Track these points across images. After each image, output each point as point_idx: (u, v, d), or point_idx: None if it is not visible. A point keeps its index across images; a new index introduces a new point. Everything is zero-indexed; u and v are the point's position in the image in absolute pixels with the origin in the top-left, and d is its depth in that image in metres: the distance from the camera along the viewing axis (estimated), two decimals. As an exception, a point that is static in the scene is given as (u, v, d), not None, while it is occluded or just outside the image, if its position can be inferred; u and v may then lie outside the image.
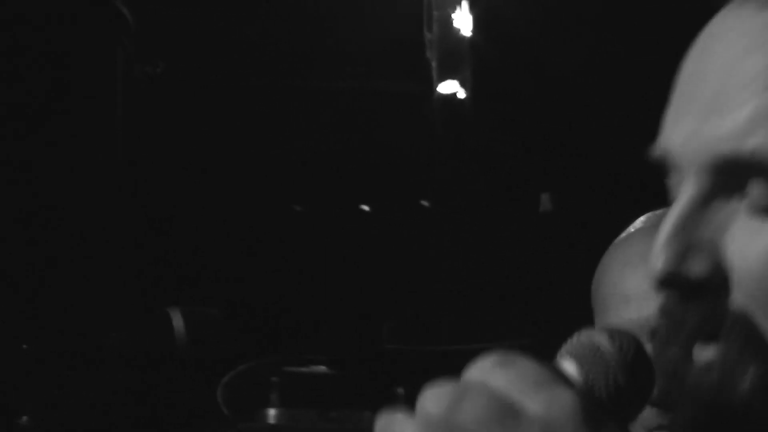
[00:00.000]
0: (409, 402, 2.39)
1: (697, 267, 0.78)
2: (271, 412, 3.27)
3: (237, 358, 3.14)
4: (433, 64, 3.51)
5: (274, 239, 3.60)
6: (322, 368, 3.41)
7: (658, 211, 1.56)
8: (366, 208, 3.66)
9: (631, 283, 1.59)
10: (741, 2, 0.79)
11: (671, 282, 0.79)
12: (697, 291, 0.79)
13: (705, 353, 0.81)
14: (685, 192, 0.80)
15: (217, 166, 3.61)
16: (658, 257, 0.79)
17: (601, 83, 3.66)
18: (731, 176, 0.78)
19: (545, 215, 3.77)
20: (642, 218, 1.64)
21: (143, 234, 3.26)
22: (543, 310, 3.56)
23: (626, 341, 0.82)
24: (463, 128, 3.55)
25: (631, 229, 1.66)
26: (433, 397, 0.69)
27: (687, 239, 0.79)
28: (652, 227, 1.48)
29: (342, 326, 3.67)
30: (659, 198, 1.02)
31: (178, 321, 2.88)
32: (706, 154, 0.78)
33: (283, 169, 3.63)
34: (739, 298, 0.78)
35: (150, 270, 3.22)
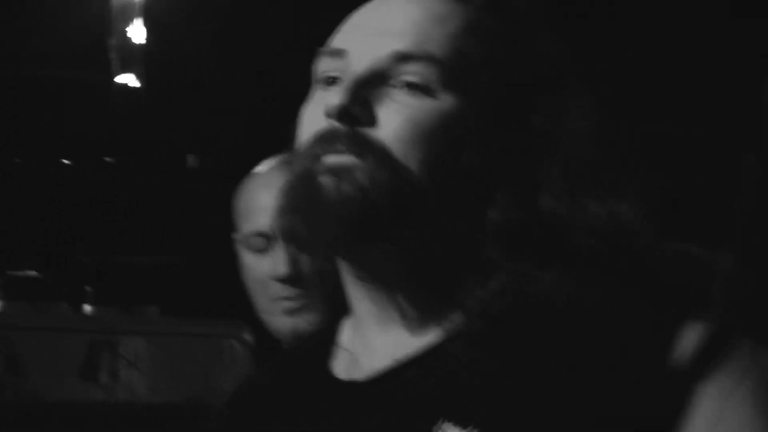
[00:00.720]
0: (95, 297, 4.00)
1: (358, 110, 1.02)
2: (-5, 305, 4.39)
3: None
4: (113, 61, 4.34)
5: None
6: (34, 272, 4.41)
7: (278, 156, 1.91)
8: (67, 161, 4.58)
9: (261, 201, 1.92)
10: None
11: (340, 114, 1.01)
12: (352, 121, 1.01)
13: (337, 158, 1.03)
14: (361, 66, 1.04)
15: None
16: (339, 96, 1.01)
17: (242, 73, 4.63)
18: (393, 63, 1.02)
19: (191, 170, 4.81)
20: (266, 161, 1.96)
21: None
22: (194, 232, 4.47)
23: None
24: (136, 109, 4.39)
25: (260, 168, 1.97)
26: None
27: (358, 93, 1.02)
28: (275, 167, 1.89)
29: (49, 244, 4.61)
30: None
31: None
32: (379, 48, 1.03)
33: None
34: (382, 133, 1.01)
35: None
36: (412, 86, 1.04)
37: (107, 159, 4.65)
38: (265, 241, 1.95)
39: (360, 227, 1.03)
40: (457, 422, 1.00)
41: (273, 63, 4.39)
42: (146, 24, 4.53)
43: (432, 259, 1.09)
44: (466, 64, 1.08)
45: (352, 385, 1.12)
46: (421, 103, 1.05)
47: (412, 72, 1.05)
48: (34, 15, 4.17)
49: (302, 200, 1.06)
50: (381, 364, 1.09)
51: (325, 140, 1.03)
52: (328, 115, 1.02)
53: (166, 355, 4.68)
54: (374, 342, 1.13)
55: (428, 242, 1.08)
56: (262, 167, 2.01)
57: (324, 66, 1.07)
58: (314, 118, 1.04)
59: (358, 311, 1.15)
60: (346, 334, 1.18)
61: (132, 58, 4.56)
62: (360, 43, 1.07)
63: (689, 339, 0.96)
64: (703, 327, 0.96)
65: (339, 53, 1.07)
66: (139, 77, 4.60)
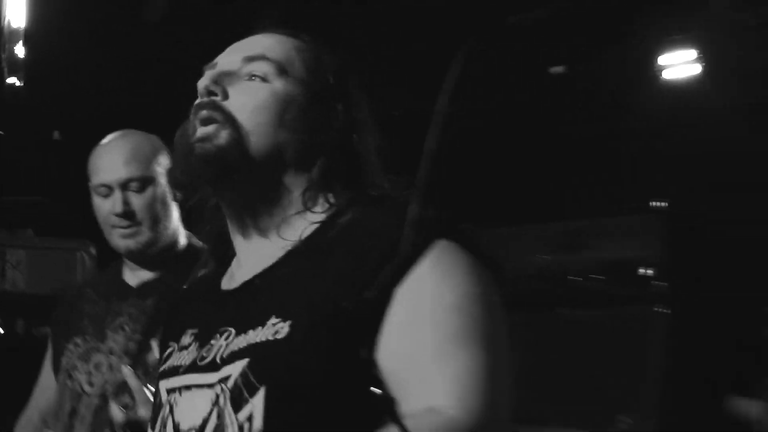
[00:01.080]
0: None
1: (217, 88, 1.30)
2: None
3: None
4: (3, 69, 5.03)
5: None
6: None
7: (116, 132, 2.31)
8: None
9: (104, 161, 2.26)
10: (271, 32, 1.40)
11: (205, 90, 1.29)
12: (212, 95, 1.30)
13: (203, 130, 1.31)
14: (223, 68, 1.32)
15: None
16: (204, 81, 1.31)
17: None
18: (242, 64, 1.33)
19: (56, 141, 5.74)
20: (109, 135, 2.30)
21: None
22: (60, 181, 4.97)
23: None
24: (20, 100, 5.09)
25: (104, 140, 2.31)
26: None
27: (217, 80, 1.31)
28: (114, 138, 2.28)
29: None
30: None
31: None
32: (236, 56, 1.34)
33: None
34: (231, 105, 1.29)
35: None
36: (253, 76, 1.33)
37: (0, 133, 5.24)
38: (107, 189, 2.28)
39: (218, 170, 1.29)
40: (280, 316, 1.21)
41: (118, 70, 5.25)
42: (26, 44, 5.18)
43: (270, 197, 1.31)
44: (290, 63, 1.34)
45: (225, 293, 1.35)
46: (259, 86, 1.32)
47: (254, 68, 1.32)
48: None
49: (181, 160, 1.33)
50: (245, 277, 1.33)
51: (196, 109, 1.32)
52: (200, 94, 1.32)
53: (37, 261, 5.39)
54: (243, 262, 1.36)
55: (266, 182, 1.30)
56: (106, 139, 2.35)
57: (203, 80, 1.34)
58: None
59: (234, 241, 1.37)
60: (234, 260, 1.39)
61: (16, 66, 5.20)
62: (225, 57, 1.36)
63: (401, 251, 1.14)
64: (407, 240, 1.13)
65: (212, 65, 1.34)
66: (20, 79, 5.27)
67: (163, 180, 2.42)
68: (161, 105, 4.62)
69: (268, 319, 1.23)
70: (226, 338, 1.27)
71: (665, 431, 4.16)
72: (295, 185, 1.37)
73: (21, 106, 5.09)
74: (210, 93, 1.35)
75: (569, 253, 5.22)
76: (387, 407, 1.12)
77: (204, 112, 1.34)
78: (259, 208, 1.36)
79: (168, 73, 5.10)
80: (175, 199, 2.40)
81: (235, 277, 1.39)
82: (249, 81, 1.36)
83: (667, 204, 4.85)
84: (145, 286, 2.52)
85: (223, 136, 1.32)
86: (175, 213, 2.50)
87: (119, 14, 5.34)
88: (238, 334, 1.26)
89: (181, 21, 5.16)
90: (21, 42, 5.23)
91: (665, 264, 4.78)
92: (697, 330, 4.48)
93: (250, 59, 1.37)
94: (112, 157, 2.37)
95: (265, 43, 1.41)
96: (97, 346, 2.44)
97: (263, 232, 1.36)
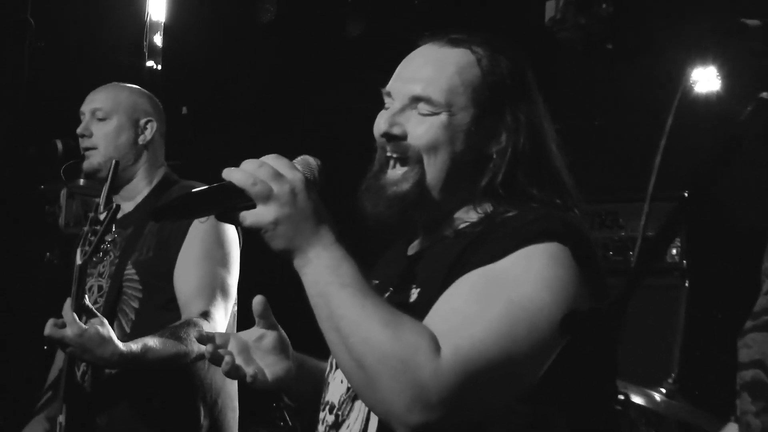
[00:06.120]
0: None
1: (397, 130, 1.48)
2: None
3: None
4: (145, 54, 5.64)
5: None
6: None
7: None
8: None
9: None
10: (431, 42, 1.57)
11: (385, 135, 1.49)
12: (396, 139, 1.48)
13: (395, 172, 1.50)
14: (396, 104, 1.50)
15: None
16: (382, 125, 1.51)
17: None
18: (413, 101, 1.50)
19: (185, 116, 5.93)
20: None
21: None
22: None
23: (319, 165, 1.44)
24: (154, 83, 5.31)
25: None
26: (246, 164, 1.30)
27: (393, 121, 1.49)
28: None
29: None
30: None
31: None
32: (407, 92, 1.51)
33: None
34: (413, 146, 1.48)
35: None
36: (422, 114, 1.57)
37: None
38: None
39: (401, 209, 1.60)
40: (417, 284, 1.57)
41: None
42: (165, 35, 5.73)
43: (440, 211, 1.65)
44: (454, 94, 1.57)
45: (407, 257, 1.75)
46: (430, 121, 1.56)
47: (421, 108, 1.58)
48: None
49: (372, 196, 1.62)
50: (411, 251, 1.76)
51: (382, 151, 1.64)
52: (380, 135, 1.62)
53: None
54: (415, 241, 1.78)
55: (438, 206, 1.64)
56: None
57: (383, 124, 1.62)
58: None
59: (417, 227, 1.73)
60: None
61: (155, 53, 5.74)
62: (395, 86, 1.66)
63: None
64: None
65: (387, 92, 1.63)
66: (158, 63, 5.80)
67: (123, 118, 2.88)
68: (266, 89, 5.63)
69: (412, 285, 1.53)
70: (387, 294, 1.57)
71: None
72: (462, 200, 1.62)
73: (156, 85, 5.39)
74: (391, 136, 1.55)
75: (607, 232, 5.62)
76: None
77: (393, 154, 1.55)
78: (430, 219, 1.66)
79: (273, 66, 5.89)
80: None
81: (409, 250, 1.73)
82: (420, 116, 1.55)
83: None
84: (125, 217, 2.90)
85: (411, 178, 1.54)
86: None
87: (239, 14, 6.05)
88: (394, 292, 1.58)
89: (286, 23, 5.91)
90: (160, 33, 6.04)
91: (684, 243, 5.13)
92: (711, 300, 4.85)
93: (416, 99, 1.53)
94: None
95: (425, 75, 1.54)
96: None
97: (432, 230, 1.66)
